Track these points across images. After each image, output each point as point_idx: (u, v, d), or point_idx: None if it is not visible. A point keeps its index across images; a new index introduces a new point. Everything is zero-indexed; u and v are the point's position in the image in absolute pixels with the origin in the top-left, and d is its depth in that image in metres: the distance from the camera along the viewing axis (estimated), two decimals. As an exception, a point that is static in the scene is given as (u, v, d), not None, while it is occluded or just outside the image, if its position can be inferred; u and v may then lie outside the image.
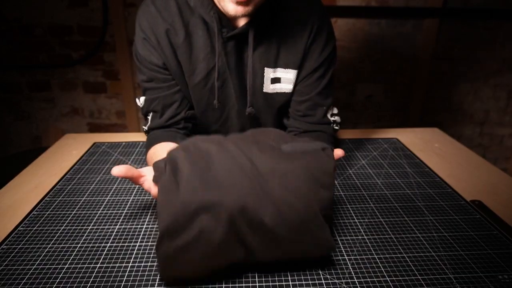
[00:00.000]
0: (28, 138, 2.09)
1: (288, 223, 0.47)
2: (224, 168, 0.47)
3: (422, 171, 0.83)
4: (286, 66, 0.77)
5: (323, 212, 0.50)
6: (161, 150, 0.74)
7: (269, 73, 0.77)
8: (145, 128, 0.82)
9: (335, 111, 0.85)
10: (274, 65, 0.77)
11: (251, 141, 0.53)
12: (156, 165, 0.53)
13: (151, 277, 0.52)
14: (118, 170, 0.54)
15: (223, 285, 0.51)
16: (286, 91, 0.80)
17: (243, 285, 0.51)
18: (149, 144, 0.78)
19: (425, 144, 0.98)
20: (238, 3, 0.61)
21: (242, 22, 0.72)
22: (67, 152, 0.92)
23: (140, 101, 0.82)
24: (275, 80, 0.78)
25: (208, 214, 0.45)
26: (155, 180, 0.53)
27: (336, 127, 0.85)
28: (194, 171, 0.47)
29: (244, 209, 0.45)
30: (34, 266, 0.54)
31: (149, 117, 0.81)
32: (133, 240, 0.59)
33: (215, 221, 0.45)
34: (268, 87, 0.79)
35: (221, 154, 0.49)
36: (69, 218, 0.65)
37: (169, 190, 0.47)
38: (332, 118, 0.84)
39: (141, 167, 0.59)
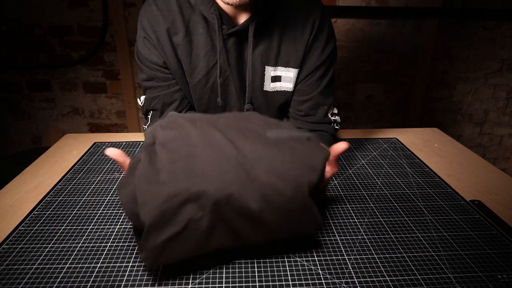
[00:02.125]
0: (28, 138, 2.09)
1: (275, 208, 0.47)
2: (209, 157, 0.48)
3: (422, 171, 0.83)
4: (286, 64, 0.77)
5: (312, 191, 0.50)
6: None
7: (269, 72, 0.77)
8: (146, 127, 0.82)
9: (335, 110, 0.85)
10: (275, 64, 0.76)
11: (236, 127, 0.53)
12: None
13: (151, 277, 0.52)
14: (112, 152, 0.55)
15: (223, 286, 0.51)
16: (286, 90, 0.80)
17: (243, 285, 0.51)
18: None
19: (425, 144, 0.98)
20: None
21: (242, 19, 0.72)
22: (67, 152, 0.92)
23: (141, 100, 0.82)
24: (276, 79, 0.78)
25: (194, 204, 0.45)
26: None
27: (337, 127, 0.85)
28: (175, 160, 0.47)
29: (229, 197, 0.46)
30: (35, 266, 0.54)
31: (149, 116, 0.81)
32: (133, 240, 0.59)
33: (201, 210, 0.45)
34: (268, 86, 0.78)
35: (205, 143, 0.49)
36: (69, 218, 0.65)
37: (150, 179, 0.46)
38: (333, 118, 0.83)
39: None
